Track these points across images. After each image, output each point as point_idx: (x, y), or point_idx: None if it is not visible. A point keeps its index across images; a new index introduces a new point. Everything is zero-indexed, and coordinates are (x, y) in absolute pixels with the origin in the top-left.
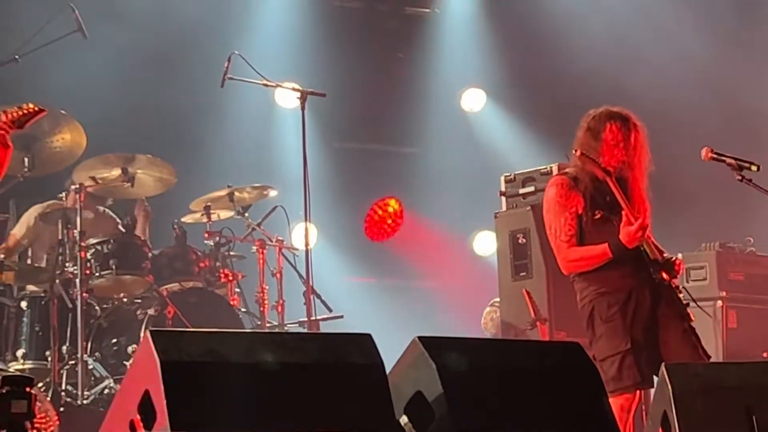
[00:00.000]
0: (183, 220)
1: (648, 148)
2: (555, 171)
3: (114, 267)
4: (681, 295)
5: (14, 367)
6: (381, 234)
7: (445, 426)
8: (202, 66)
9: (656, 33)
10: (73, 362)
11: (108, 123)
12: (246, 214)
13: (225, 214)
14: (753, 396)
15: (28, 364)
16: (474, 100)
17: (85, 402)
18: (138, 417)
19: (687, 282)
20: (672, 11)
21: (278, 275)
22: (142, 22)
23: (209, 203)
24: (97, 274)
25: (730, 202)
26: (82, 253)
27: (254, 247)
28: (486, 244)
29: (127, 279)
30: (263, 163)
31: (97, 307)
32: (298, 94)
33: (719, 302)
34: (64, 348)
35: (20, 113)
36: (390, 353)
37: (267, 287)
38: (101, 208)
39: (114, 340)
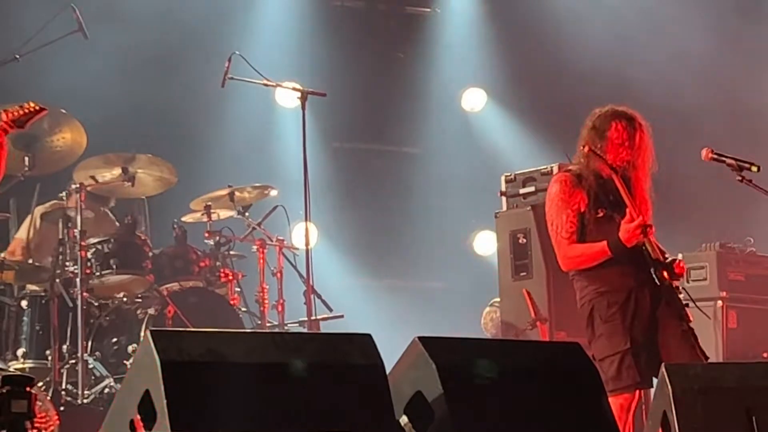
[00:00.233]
0: (183, 219)
1: (652, 149)
2: (555, 171)
3: (114, 266)
4: (681, 296)
5: (14, 366)
6: None
7: (445, 426)
8: (202, 66)
9: (657, 32)
10: (73, 361)
11: (108, 122)
12: (246, 214)
13: (225, 213)
14: (753, 397)
15: (29, 363)
16: (474, 100)
17: (85, 401)
18: (138, 417)
19: (687, 282)
20: (673, 10)
21: (278, 275)
22: (143, 22)
23: (210, 203)
24: (97, 273)
25: (731, 202)
26: (83, 253)
27: (254, 247)
28: (486, 243)
29: (128, 278)
30: (263, 163)
31: (97, 307)
32: (299, 94)
33: (719, 302)
34: (65, 347)
35: (21, 112)
36: (390, 353)
37: (267, 287)
38: (102, 209)
39: (114, 340)
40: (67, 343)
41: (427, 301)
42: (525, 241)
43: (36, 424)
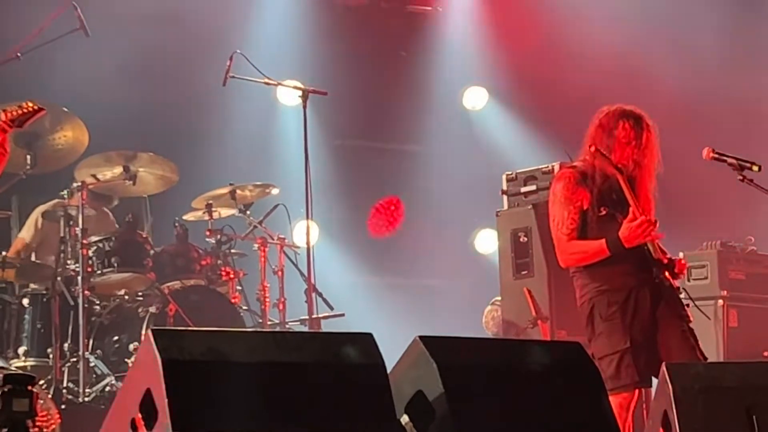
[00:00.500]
0: (185, 217)
1: (658, 149)
2: (557, 169)
3: (116, 264)
4: (681, 296)
5: (16, 364)
6: (382, 230)
7: (446, 425)
8: (204, 64)
9: (660, 30)
10: (74, 360)
11: (110, 121)
12: (248, 212)
13: (227, 211)
14: (754, 396)
15: (30, 362)
16: (476, 99)
17: (86, 400)
18: (139, 416)
19: (688, 281)
20: (676, 9)
21: (280, 273)
22: (145, 21)
23: (211, 201)
24: (98, 271)
25: (732, 201)
26: (84, 251)
27: (256, 245)
28: (487, 242)
29: (129, 276)
30: (265, 161)
31: (98, 305)
32: (300, 93)
33: (720, 301)
34: (66, 345)
35: (19, 112)
36: (391, 351)
37: (268, 285)
38: (103, 208)
39: (115, 338)
40: (69, 342)
41: (428, 299)
42: (526, 239)
43: (37, 423)
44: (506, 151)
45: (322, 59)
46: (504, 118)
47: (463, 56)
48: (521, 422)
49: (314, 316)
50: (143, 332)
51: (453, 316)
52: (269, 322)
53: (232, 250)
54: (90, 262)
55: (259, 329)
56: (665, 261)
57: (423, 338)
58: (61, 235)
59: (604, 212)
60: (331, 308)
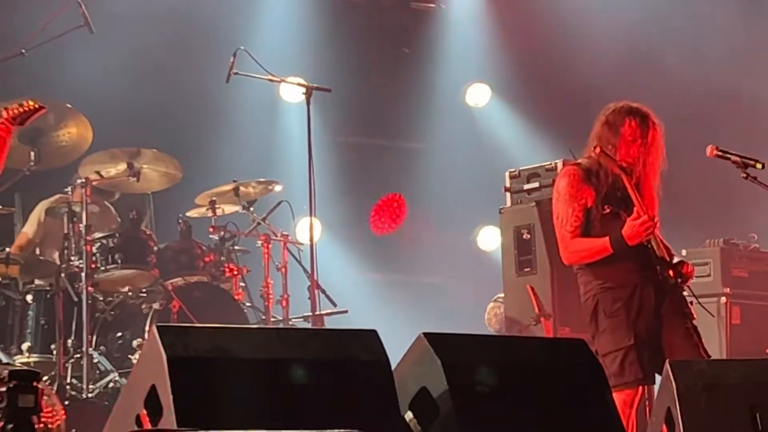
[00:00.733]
0: (188, 214)
1: (663, 148)
2: (560, 167)
3: (119, 261)
4: (684, 293)
5: (19, 360)
6: (385, 227)
7: (450, 422)
8: (207, 61)
9: (663, 28)
10: (78, 356)
11: (114, 118)
12: (251, 209)
13: (230, 208)
14: (757, 393)
15: (34, 358)
16: (479, 96)
17: (90, 396)
18: (144, 412)
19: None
20: (679, 6)
21: (283, 270)
22: (149, 18)
23: (214, 198)
24: (102, 268)
25: (735, 199)
26: (88, 247)
27: (259, 242)
28: (490, 239)
29: (133, 273)
30: (268, 158)
31: (102, 301)
32: (304, 90)
33: (723, 298)
34: (69, 341)
35: (20, 110)
36: (393, 348)
37: (272, 282)
38: (105, 203)
39: (119, 334)
40: (72, 338)
41: (431, 296)
42: (529, 237)
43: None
44: (509, 148)
45: (325, 56)
46: (507, 115)
47: (466, 53)
48: (525, 419)
49: (317, 312)
50: (147, 328)
51: (455, 313)
52: (272, 319)
53: (236, 247)
54: (94, 258)
55: (262, 326)
56: (669, 259)
57: (427, 335)
58: (65, 231)
59: (607, 210)
60: (335, 305)
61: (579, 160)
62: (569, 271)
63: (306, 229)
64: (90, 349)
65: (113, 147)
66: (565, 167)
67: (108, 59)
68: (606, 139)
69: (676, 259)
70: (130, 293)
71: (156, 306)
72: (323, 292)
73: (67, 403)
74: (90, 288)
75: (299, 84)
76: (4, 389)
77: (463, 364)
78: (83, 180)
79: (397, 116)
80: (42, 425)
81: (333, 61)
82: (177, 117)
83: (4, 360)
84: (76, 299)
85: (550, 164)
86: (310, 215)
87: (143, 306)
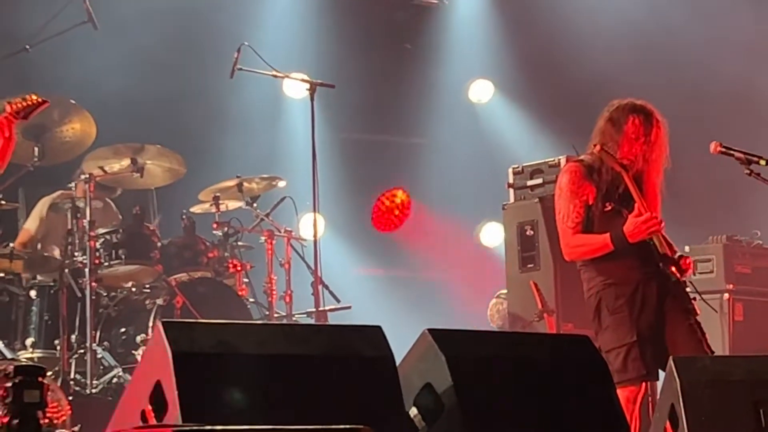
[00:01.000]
0: (192, 210)
1: (667, 145)
2: (563, 163)
3: (123, 257)
4: (687, 290)
5: (23, 355)
6: (388, 225)
7: (455, 418)
8: (211, 57)
9: (666, 26)
10: (81, 351)
11: (118, 113)
12: (254, 205)
13: (234, 204)
14: (760, 390)
15: (37, 353)
16: (482, 92)
17: (93, 391)
18: (149, 407)
19: (694, 275)
20: (684, 2)
21: (286, 266)
22: (152, 14)
23: (218, 193)
24: (106, 263)
25: (738, 195)
26: (92, 243)
27: (263, 238)
28: (493, 235)
29: (136, 269)
30: (271, 154)
31: (105, 297)
32: (307, 85)
33: (726, 295)
34: (73, 337)
35: (24, 104)
36: (396, 344)
37: (275, 278)
38: (106, 198)
39: (123, 330)
40: (76, 333)
41: (433, 292)
42: (532, 233)
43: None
44: (512, 144)
45: (328, 52)
46: (510, 111)
47: (468, 49)
48: (529, 415)
49: (321, 308)
50: (150, 324)
51: (458, 309)
52: (276, 315)
53: (239, 243)
54: (97, 253)
55: (267, 322)
56: (671, 256)
57: (432, 331)
58: (69, 227)
59: (609, 207)
60: (338, 301)
61: (581, 157)
62: (572, 267)
63: (309, 225)
64: (94, 344)
65: (117, 142)
66: (567, 164)
67: (112, 55)
68: (609, 135)
69: (677, 253)
70: (133, 289)
71: (160, 302)
72: (326, 288)
73: (70, 398)
74: (93, 283)
75: (303, 80)
76: (9, 385)
77: (467, 360)
78: (87, 175)
79: (400, 112)
80: (47, 421)
81: (336, 57)
82: (181, 113)
83: (9, 355)
84: (79, 295)
85: (554, 160)
86: (314, 211)
87: (147, 302)
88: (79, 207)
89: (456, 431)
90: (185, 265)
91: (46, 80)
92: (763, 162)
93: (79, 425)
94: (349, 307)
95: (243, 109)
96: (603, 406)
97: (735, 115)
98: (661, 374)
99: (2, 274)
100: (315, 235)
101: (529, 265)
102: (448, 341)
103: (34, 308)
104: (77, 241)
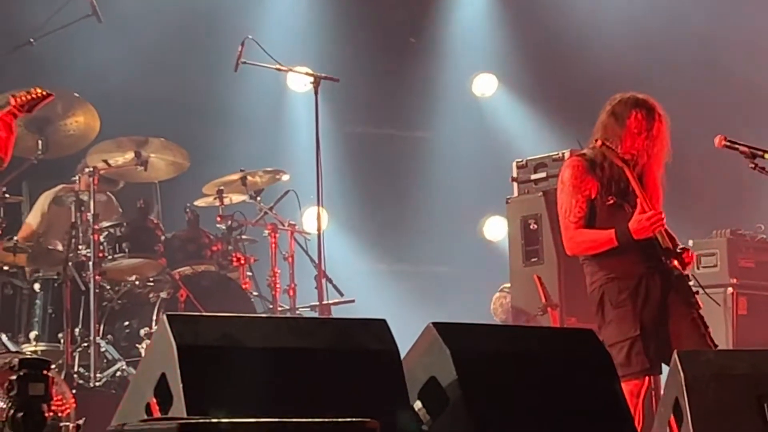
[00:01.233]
0: (195, 203)
1: (668, 139)
2: (567, 157)
3: (127, 250)
4: (691, 283)
5: (27, 349)
6: None
7: (459, 411)
8: (215, 50)
9: (671, 16)
10: (85, 344)
11: (121, 106)
12: (258, 198)
13: (237, 197)
14: (765, 384)
15: (41, 346)
16: (485, 85)
17: (97, 384)
18: (154, 400)
19: (698, 269)
20: None
21: (290, 259)
22: (157, 7)
23: (222, 187)
24: (109, 257)
25: (742, 189)
26: (95, 236)
27: (266, 231)
28: (496, 229)
29: (140, 262)
30: (275, 148)
31: (109, 290)
32: (311, 79)
33: (729, 289)
34: (77, 330)
35: (28, 97)
36: (399, 337)
37: (279, 271)
38: (108, 192)
39: (126, 323)
40: (80, 327)
41: (436, 286)
42: (536, 227)
43: (53, 407)
44: (516, 138)
45: (332, 46)
46: (514, 104)
47: (472, 43)
48: (534, 408)
49: (324, 302)
50: (154, 317)
51: (461, 302)
52: (280, 308)
53: (243, 236)
54: (101, 247)
55: (271, 315)
56: (674, 249)
57: (436, 325)
58: (73, 220)
59: (611, 201)
60: (341, 294)
61: (583, 151)
62: (576, 261)
63: (313, 219)
64: (97, 338)
65: (120, 136)
66: (568, 159)
67: (116, 48)
68: (611, 130)
69: (680, 246)
70: (137, 282)
71: (163, 295)
72: (330, 281)
73: (74, 391)
74: (97, 277)
75: (307, 73)
76: (14, 377)
77: (472, 353)
78: (91, 169)
79: (404, 106)
80: (52, 413)
81: (340, 50)
82: (185, 106)
83: (12, 348)
84: (83, 288)
85: (558, 154)
86: (318, 205)
87: (151, 295)
88: (83, 200)
89: (460, 425)
90: (189, 259)
91: (50, 73)
92: (767, 155)
93: (84, 418)
94: (352, 301)
95: (247, 103)
96: (608, 400)
97: (739, 109)
98: (665, 368)
99: (6, 268)
100: (319, 229)
101: (533, 259)
102: (452, 335)
103: (37, 301)
104: (81, 235)
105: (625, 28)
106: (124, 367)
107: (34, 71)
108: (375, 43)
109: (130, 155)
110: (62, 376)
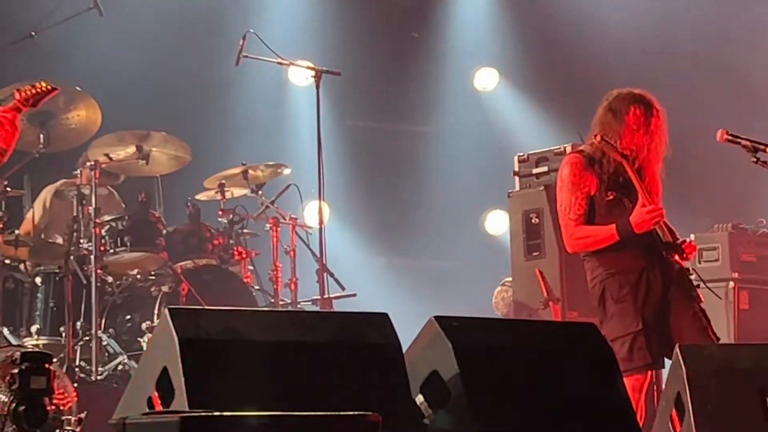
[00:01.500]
0: (197, 197)
1: (666, 133)
2: (569, 150)
3: (128, 244)
4: (692, 277)
5: (28, 342)
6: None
7: (461, 405)
8: (217, 44)
9: (672, 12)
10: (87, 338)
11: (123, 100)
12: (260, 192)
13: (239, 191)
14: (767, 378)
15: (43, 340)
16: (487, 80)
17: (99, 378)
18: (156, 393)
19: (699, 263)
20: None
21: (291, 253)
22: (158, 1)
23: (223, 181)
24: (111, 250)
25: (744, 183)
26: (97, 230)
27: (268, 225)
28: (498, 223)
29: (141, 256)
30: (277, 141)
31: (111, 284)
32: (313, 73)
33: (731, 283)
34: (78, 324)
35: (33, 92)
36: (400, 331)
37: (280, 265)
38: (109, 187)
39: (128, 317)
40: (81, 320)
41: (438, 280)
42: (538, 221)
43: (54, 401)
44: (517, 132)
45: (334, 40)
46: (515, 98)
47: (474, 37)
48: (535, 402)
49: (326, 296)
50: (156, 311)
51: (462, 296)
52: (281, 302)
53: (245, 230)
54: (103, 241)
55: (273, 309)
56: (674, 243)
57: (438, 318)
58: (75, 214)
59: (611, 197)
60: (343, 288)
61: (581, 148)
62: (577, 255)
63: (314, 213)
64: (99, 331)
65: (122, 130)
66: (567, 155)
67: (117, 42)
68: (609, 126)
69: (679, 239)
70: (139, 276)
71: (165, 289)
72: (332, 275)
73: (76, 385)
74: (99, 271)
75: (308, 67)
76: (16, 371)
77: (474, 347)
78: (92, 162)
79: (406, 100)
80: (54, 407)
81: (342, 44)
82: (186, 100)
83: (14, 342)
84: (85, 282)
85: (559, 148)
86: (319, 199)
87: (152, 289)
88: (84, 194)
89: (462, 419)
90: (190, 253)
91: (51, 67)
92: None
93: (86, 412)
94: (354, 295)
95: (248, 97)
96: (610, 394)
97: (743, 104)
98: (667, 362)
99: (8, 261)
100: (320, 223)
101: (535, 253)
102: (454, 328)
103: (39, 295)
104: (82, 228)
105: (626, 22)
106: (125, 360)
107: (35, 65)
108: (377, 37)
109: (132, 149)
110: (64, 370)
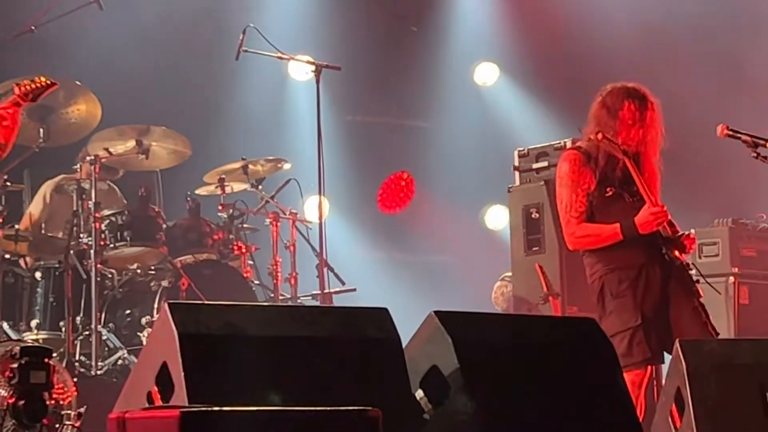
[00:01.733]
0: (197, 192)
1: (662, 125)
2: (569, 146)
3: (128, 238)
4: (692, 272)
5: (28, 337)
6: (393, 206)
7: (461, 400)
8: (217, 38)
9: (671, 7)
10: (86, 333)
11: (123, 95)
12: (260, 187)
13: (239, 186)
14: (767, 373)
15: (42, 335)
16: (487, 74)
17: (98, 373)
18: (156, 388)
19: (699, 258)
20: None
21: (291, 248)
22: None
23: (223, 175)
24: (111, 245)
25: (744, 178)
26: (97, 225)
27: (268, 220)
28: (498, 218)
29: (141, 250)
30: (277, 136)
31: (111, 279)
32: (313, 67)
33: (731, 278)
34: (78, 319)
35: (33, 86)
36: (400, 326)
37: (280, 260)
38: (108, 181)
39: (128, 312)
40: (81, 315)
41: (438, 275)
42: (538, 215)
43: (54, 395)
44: (518, 126)
45: (333, 34)
46: (515, 93)
47: (474, 31)
48: (536, 397)
49: (326, 290)
50: (156, 306)
51: (462, 291)
52: (281, 297)
53: (244, 225)
54: (103, 235)
55: (273, 303)
56: (674, 237)
57: (438, 313)
58: (75, 208)
59: (610, 192)
60: (343, 283)
61: (579, 144)
62: (578, 251)
63: (314, 208)
64: (99, 326)
65: (122, 124)
66: (565, 152)
67: (117, 36)
68: (604, 122)
69: (680, 233)
70: (138, 271)
71: (165, 283)
72: (331, 270)
73: (75, 380)
74: (99, 265)
75: (308, 62)
76: (15, 365)
77: (473, 342)
78: (92, 157)
79: (406, 95)
80: (54, 401)
81: (342, 39)
82: (186, 94)
83: (14, 337)
84: (84, 276)
85: (559, 143)
86: (319, 194)
87: (152, 283)
88: (84, 189)
89: (462, 413)
90: (190, 247)
91: (51, 61)
92: None
93: (85, 407)
94: (354, 290)
95: (248, 91)
96: (609, 389)
97: (742, 98)
98: (667, 358)
99: (7, 256)
100: (320, 217)
101: (535, 248)
102: (454, 324)
103: (39, 290)
104: (82, 223)
105: (626, 16)
106: (125, 355)
107: (35, 59)
108: (376, 32)
109: (132, 143)
110: (63, 365)
